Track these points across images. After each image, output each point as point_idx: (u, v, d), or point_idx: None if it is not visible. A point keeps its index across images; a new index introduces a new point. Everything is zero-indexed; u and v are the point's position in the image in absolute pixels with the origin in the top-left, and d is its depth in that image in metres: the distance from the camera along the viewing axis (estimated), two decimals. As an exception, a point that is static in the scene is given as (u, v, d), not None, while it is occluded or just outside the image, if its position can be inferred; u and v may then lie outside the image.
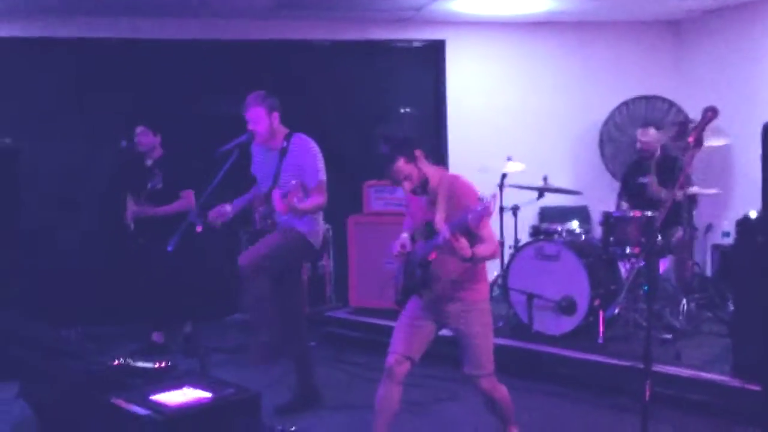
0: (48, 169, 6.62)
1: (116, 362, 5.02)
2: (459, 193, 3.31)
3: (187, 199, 5.64)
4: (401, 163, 3.28)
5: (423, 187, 3.36)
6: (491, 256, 3.33)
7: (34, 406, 4.25)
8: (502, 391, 3.52)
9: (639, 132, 6.08)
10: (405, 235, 3.49)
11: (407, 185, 3.33)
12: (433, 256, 3.26)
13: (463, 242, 3.14)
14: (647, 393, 2.67)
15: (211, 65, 7.03)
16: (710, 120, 2.81)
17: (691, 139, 2.75)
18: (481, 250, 3.24)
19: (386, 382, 3.41)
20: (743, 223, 4.37)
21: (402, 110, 7.66)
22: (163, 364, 5.00)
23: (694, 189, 5.45)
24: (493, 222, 5.92)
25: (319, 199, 4.23)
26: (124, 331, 6.21)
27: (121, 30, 6.82)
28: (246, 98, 4.26)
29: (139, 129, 5.71)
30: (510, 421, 3.65)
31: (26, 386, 4.31)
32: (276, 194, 4.07)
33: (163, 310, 5.80)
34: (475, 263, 3.29)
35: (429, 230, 3.31)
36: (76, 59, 6.83)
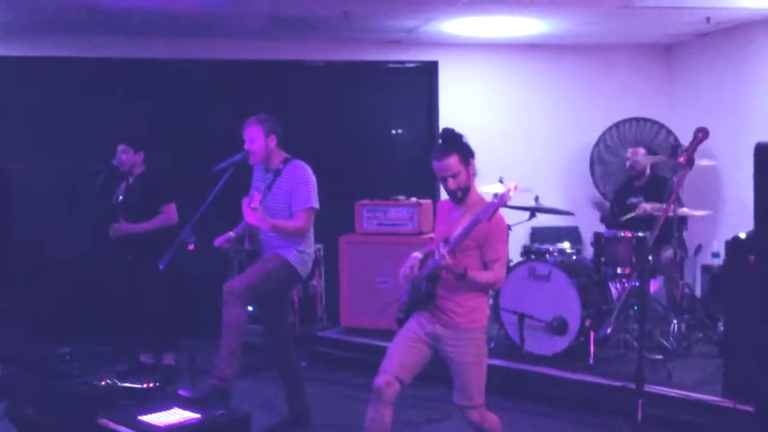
0: (38, 187, 6.59)
1: (103, 382, 5.00)
2: (495, 231, 3.29)
3: (168, 213, 5.51)
4: (454, 159, 3.28)
5: (463, 194, 3.36)
6: (487, 284, 3.34)
7: (20, 426, 4.20)
8: (491, 421, 3.49)
9: (630, 151, 6.14)
10: (416, 255, 3.48)
11: (452, 183, 3.31)
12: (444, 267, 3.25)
13: (458, 260, 3.17)
14: (639, 413, 2.65)
15: (205, 85, 7.04)
16: (701, 141, 2.83)
17: (682, 160, 2.77)
18: (479, 273, 3.27)
19: (375, 404, 3.36)
20: (733, 243, 4.39)
21: (393, 132, 7.70)
22: (150, 385, 4.98)
23: (684, 210, 5.49)
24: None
25: (298, 223, 4.20)
26: (112, 352, 6.15)
27: (114, 49, 6.83)
28: (246, 119, 4.30)
29: (120, 147, 5.59)
30: None
31: (13, 406, 4.26)
32: (245, 207, 4.04)
33: (149, 331, 5.73)
34: (470, 286, 3.28)
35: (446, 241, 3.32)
36: (67, 78, 6.83)
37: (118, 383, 5.01)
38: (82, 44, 6.76)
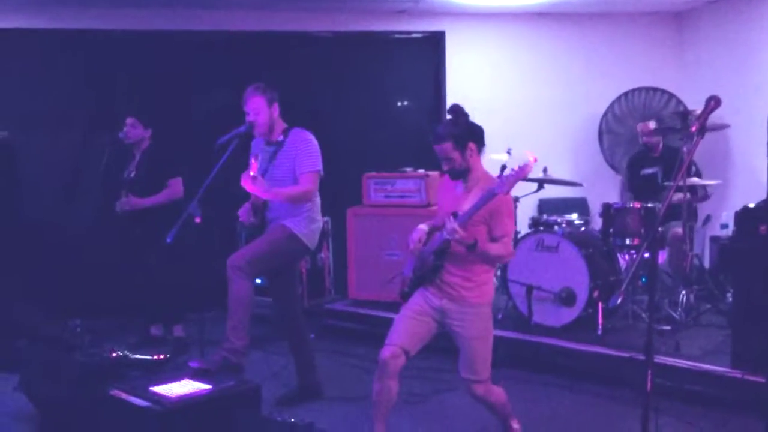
0: (46, 161, 6.60)
1: (114, 354, 5.04)
2: (502, 206, 3.30)
3: (174, 187, 5.51)
4: (447, 145, 3.34)
5: (459, 174, 3.40)
6: (498, 257, 3.35)
7: (33, 398, 4.25)
8: (497, 394, 3.52)
9: (639, 126, 6.08)
10: (422, 227, 3.49)
11: (446, 165, 3.40)
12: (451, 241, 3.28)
13: (468, 232, 3.19)
14: (648, 384, 2.65)
15: (210, 56, 6.99)
16: (713, 109, 2.80)
17: (694, 128, 2.74)
18: (489, 245, 3.29)
19: (381, 376, 3.38)
20: (743, 214, 4.36)
21: (399, 104, 7.65)
22: (161, 357, 5.02)
23: (694, 180, 5.45)
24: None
25: (304, 187, 4.14)
26: (122, 324, 6.20)
27: (118, 21, 6.78)
28: (245, 90, 4.24)
29: (129, 120, 5.55)
30: (509, 419, 3.65)
31: (26, 378, 4.31)
32: (245, 178, 4.00)
33: (160, 303, 5.75)
34: (480, 257, 3.29)
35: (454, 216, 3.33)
36: (72, 51, 6.80)
37: (129, 355, 5.07)
38: (84, 16, 6.70)
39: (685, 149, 5.20)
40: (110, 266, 6.21)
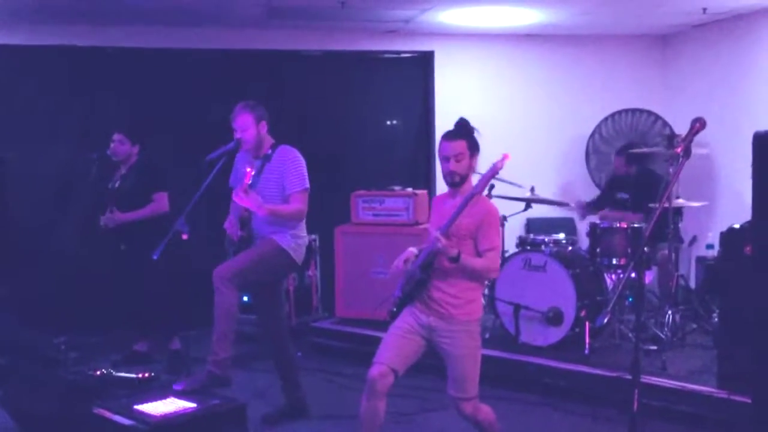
0: (33, 176, 6.56)
1: (98, 372, 4.99)
2: (487, 218, 3.34)
3: (159, 202, 5.47)
4: (463, 145, 3.36)
5: (462, 180, 3.39)
6: (482, 270, 3.35)
7: (14, 414, 4.20)
8: (485, 413, 3.48)
9: (615, 161, 6.19)
10: (412, 250, 3.48)
11: (454, 165, 3.36)
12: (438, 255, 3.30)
13: (452, 242, 3.22)
14: (635, 404, 2.65)
15: (201, 74, 7.01)
16: (698, 131, 2.83)
17: (679, 150, 2.77)
18: (473, 259, 3.31)
19: (369, 395, 3.35)
20: (728, 234, 4.40)
21: (389, 122, 7.68)
22: (145, 375, 4.98)
23: (680, 201, 5.49)
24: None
25: (296, 206, 4.16)
26: (107, 341, 6.15)
27: (110, 38, 6.79)
28: (234, 107, 4.26)
29: (116, 137, 5.53)
30: None
31: (8, 394, 4.26)
32: (237, 191, 4.00)
33: (147, 319, 5.70)
34: (465, 271, 3.30)
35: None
36: (65, 67, 6.79)
37: (114, 373, 5.03)
38: (75, 33, 6.70)
39: (671, 170, 5.25)
40: (97, 282, 6.17)
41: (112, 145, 5.55)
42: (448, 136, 3.40)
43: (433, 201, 3.71)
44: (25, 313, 5.76)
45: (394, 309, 3.47)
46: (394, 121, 7.70)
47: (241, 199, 3.99)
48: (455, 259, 3.24)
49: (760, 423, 3.56)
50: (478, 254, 3.34)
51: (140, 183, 5.52)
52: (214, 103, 6.53)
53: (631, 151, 5.99)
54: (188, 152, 5.48)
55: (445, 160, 3.38)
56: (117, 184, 5.60)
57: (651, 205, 5.43)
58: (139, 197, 5.48)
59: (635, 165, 5.98)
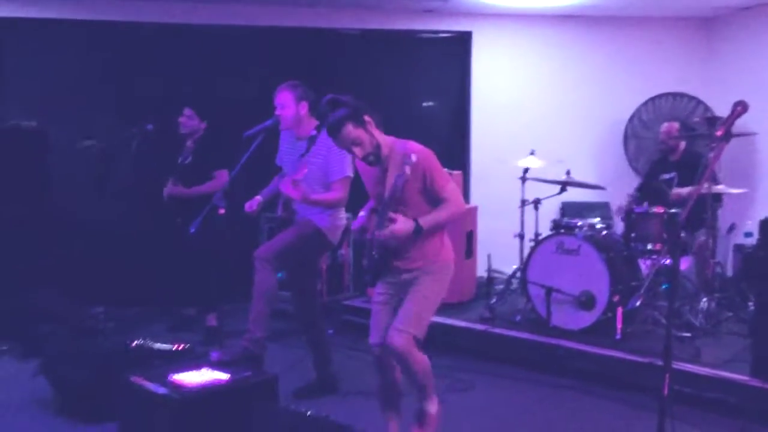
0: (75, 151, 6.67)
1: (134, 343, 5.10)
2: (424, 166, 3.16)
3: (220, 179, 5.63)
4: (349, 128, 3.16)
5: (376, 155, 3.22)
6: (448, 219, 3.20)
7: (54, 383, 4.32)
8: (420, 359, 3.28)
9: (665, 126, 6.03)
10: (363, 214, 3.40)
11: (358, 151, 3.19)
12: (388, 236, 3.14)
13: (399, 220, 3.08)
14: (666, 388, 2.64)
15: (237, 51, 7.05)
16: (740, 114, 2.78)
17: (719, 133, 2.73)
18: (433, 216, 3.16)
19: (379, 370, 3.40)
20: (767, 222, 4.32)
21: (425, 104, 7.65)
22: (181, 346, 5.08)
23: (719, 188, 5.39)
24: (512, 215, 5.95)
25: (337, 195, 4.21)
26: (148, 314, 6.28)
27: (150, 14, 6.86)
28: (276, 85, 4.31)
29: (187, 111, 5.81)
30: (427, 394, 3.40)
31: (47, 363, 4.38)
32: (286, 180, 4.04)
33: (197, 289, 5.85)
34: (432, 231, 3.19)
35: (382, 204, 3.20)
36: (107, 42, 6.88)
37: (149, 344, 5.14)
38: (122, 8, 6.79)
39: (711, 155, 5.16)
40: (140, 255, 6.29)
41: (181, 118, 5.80)
42: (331, 130, 3.19)
43: (358, 164, 3.47)
44: (66, 284, 5.89)
45: (367, 278, 3.39)
46: (431, 102, 7.67)
47: (289, 190, 3.97)
48: (419, 232, 3.12)
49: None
50: (435, 202, 3.19)
51: (202, 160, 5.73)
52: (252, 80, 6.59)
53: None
54: (226, 128, 5.54)
55: (348, 150, 3.23)
56: (189, 160, 5.81)
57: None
58: (200, 174, 5.70)
59: (685, 141, 5.87)
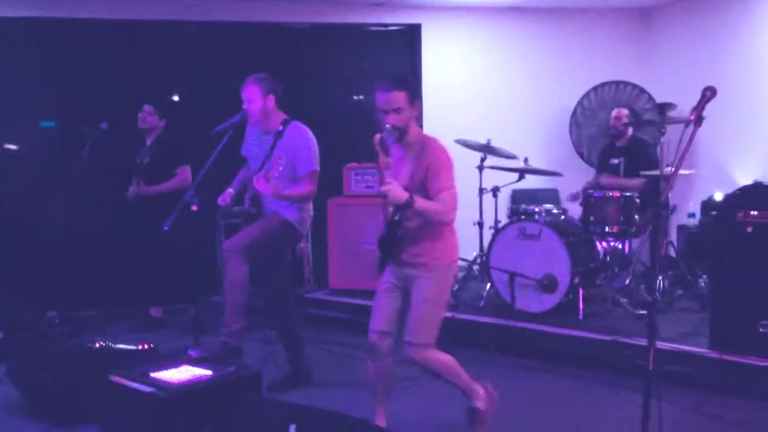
0: (23, 152, 6.48)
1: (97, 344, 5.00)
2: (435, 162, 3.27)
3: (182, 175, 5.63)
4: (401, 95, 3.27)
5: (401, 134, 3.32)
6: (436, 212, 3.26)
7: (21, 387, 4.21)
8: (442, 360, 3.41)
9: (615, 111, 6.25)
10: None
11: (393, 118, 3.26)
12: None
13: (394, 186, 3.17)
14: (651, 363, 2.76)
15: (189, 46, 6.96)
16: (709, 99, 2.95)
17: (692, 117, 2.87)
18: (425, 201, 3.23)
19: (374, 358, 3.47)
20: (722, 202, 4.54)
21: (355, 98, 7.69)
22: (145, 346, 5.00)
23: (668, 169, 5.62)
24: (471, 204, 6.03)
25: (306, 188, 4.24)
26: (100, 315, 6.15)
27: (105, 10, 6.71)
28: (237, 80, 4.27)
29: (146, 108, 5.74)
30: (471, 391, 3.54)
31: (13, 368, 4.26)
32: (259, 176, 4.05)
33: (159, 288, 5.79)
34: (418, 214, 3.26)
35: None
36: (63, 40, 6.70)
37: (113, 345, 5.04)
38: (81, 5, 6.62)
39: (662, 140, 5.41)
40: (95, 257, 6.14)
41: (140, 114, 5.70)
42: (383, 86, 3.26)
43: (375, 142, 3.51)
44: (21, 290, 5.71)
45: (378, 264, 3.49)
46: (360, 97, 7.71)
47: (262, 186, 3.98)
48: (408, 204, 3.19)
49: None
50: (430, 198, 3.27)
51: (164, 157, 5.67)
52: (205, 75, 6.51)
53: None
54: (188, 122, 5.50)
55: (383, 113, 3.27)
56: (147, 160, 5.72)
57: (643, 172, 5.58)
58: (163, 171, 5.65)
59: (632, 127, 6.10)
